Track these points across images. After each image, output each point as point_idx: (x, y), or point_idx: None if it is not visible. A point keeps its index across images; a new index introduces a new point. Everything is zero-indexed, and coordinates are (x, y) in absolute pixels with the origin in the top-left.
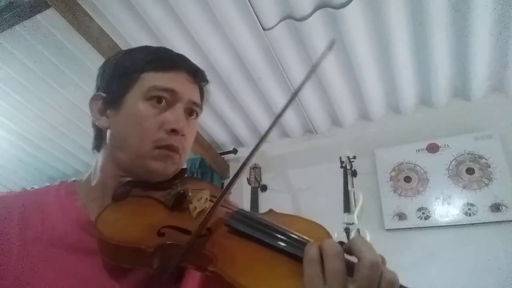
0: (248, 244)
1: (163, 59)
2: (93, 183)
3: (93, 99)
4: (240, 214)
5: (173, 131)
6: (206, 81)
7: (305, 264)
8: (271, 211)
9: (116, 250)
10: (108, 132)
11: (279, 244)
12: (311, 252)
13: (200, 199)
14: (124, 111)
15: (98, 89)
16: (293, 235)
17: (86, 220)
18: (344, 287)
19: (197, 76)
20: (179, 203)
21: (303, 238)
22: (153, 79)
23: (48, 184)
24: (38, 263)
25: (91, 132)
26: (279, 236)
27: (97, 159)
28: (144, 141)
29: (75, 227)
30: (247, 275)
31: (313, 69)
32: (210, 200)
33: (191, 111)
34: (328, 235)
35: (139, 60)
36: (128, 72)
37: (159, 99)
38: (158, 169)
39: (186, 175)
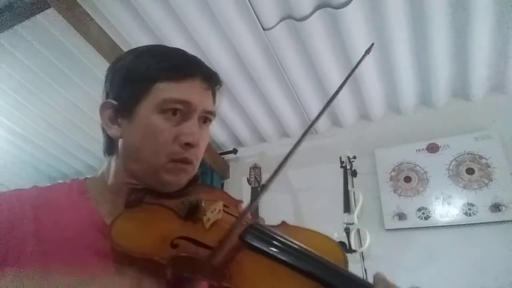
0: (262, 260)
1: (177, 67)
2: (106, 184)
3: (104, 106)
4: (255, 229)
5: (188, 144)
6: (220, 84)
7: None
8: (283, 223)
9: (130, 260)
10: (120, 141)
11: (293, 262)
12: None
13: (214, 211)
14: (137, 121)
15: (107, 95)
16: (309, 254)
17: (100, 221)
18: None
19: (212, 81)
20: (192, 213)
21: (318, 256)
22: (167, 91)
23: (59, 182)
24: (51, 261)
25: (91, 132)
26: (293, 253)
27: (109, 162)
28: (158, 154)
29: (88, 227)
30: None
31: (352, 72)
32: (224, 211)
33: (205, 119)
34: (343, 253)
35: (151, 68)
36: (141, 80)
37: (174, 111)
38: (172, 182)
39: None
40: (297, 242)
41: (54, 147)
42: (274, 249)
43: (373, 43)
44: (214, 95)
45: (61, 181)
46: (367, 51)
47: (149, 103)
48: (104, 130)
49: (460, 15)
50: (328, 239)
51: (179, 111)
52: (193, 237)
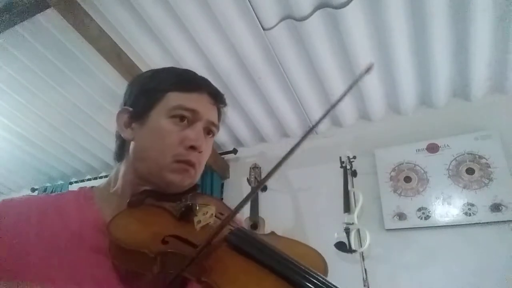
0: (242, 259)
1: (188, 81)
2: (112, 190)
3: (120, 112)
4: (240, 232)
5: (192, 147)
6: (225, 104)
7: None
8: (272, 233)
9: (122, 252)
10: (132, 144)
11: (270, 262)
12: None
13: (206, 214)
14: (148, 125)
15: (125, 103)
16: (286, 257)
17: (102, 221)
18: None
19: (218, 99)
20: (186, 215)
21: (295, 260)
22: (177, 99)
23: (69, 190)
24: (53, 258)
25: (91, 132)
26: (271, 254)
27: (118, 168)
28: (165, 154)
29: (92, 228)
30: (234, 286)
31: (350, 88)
32: (215, 216)
33: (209, 130)
34: (324, 262)
35: (166, 80)
36: (155, 91)
37: (181, 118)
38: (175, 181)
39: (198, 191)
40: (278, 247)
41: (54, 147)
42: (253, 250)
43: (373, 63)
44: (219, 113)
45: (62, 181)
46: (367, 71)
47: (161, 109)
48: (117, 137)
49: (460, 15)
50: (311, 249)
51: (186, 118)
52: (183, 236)
